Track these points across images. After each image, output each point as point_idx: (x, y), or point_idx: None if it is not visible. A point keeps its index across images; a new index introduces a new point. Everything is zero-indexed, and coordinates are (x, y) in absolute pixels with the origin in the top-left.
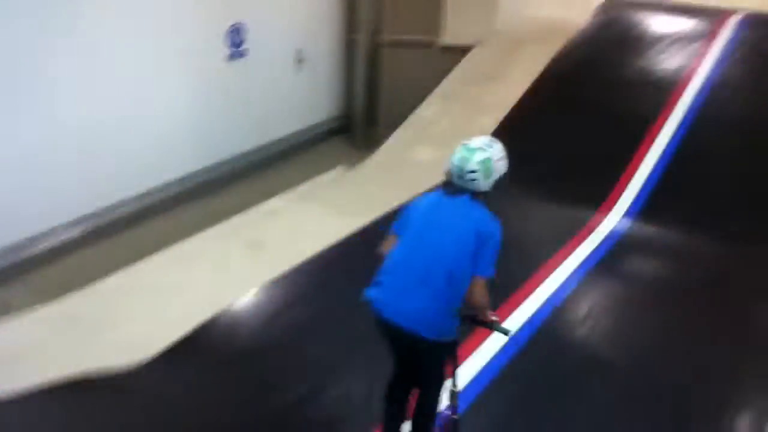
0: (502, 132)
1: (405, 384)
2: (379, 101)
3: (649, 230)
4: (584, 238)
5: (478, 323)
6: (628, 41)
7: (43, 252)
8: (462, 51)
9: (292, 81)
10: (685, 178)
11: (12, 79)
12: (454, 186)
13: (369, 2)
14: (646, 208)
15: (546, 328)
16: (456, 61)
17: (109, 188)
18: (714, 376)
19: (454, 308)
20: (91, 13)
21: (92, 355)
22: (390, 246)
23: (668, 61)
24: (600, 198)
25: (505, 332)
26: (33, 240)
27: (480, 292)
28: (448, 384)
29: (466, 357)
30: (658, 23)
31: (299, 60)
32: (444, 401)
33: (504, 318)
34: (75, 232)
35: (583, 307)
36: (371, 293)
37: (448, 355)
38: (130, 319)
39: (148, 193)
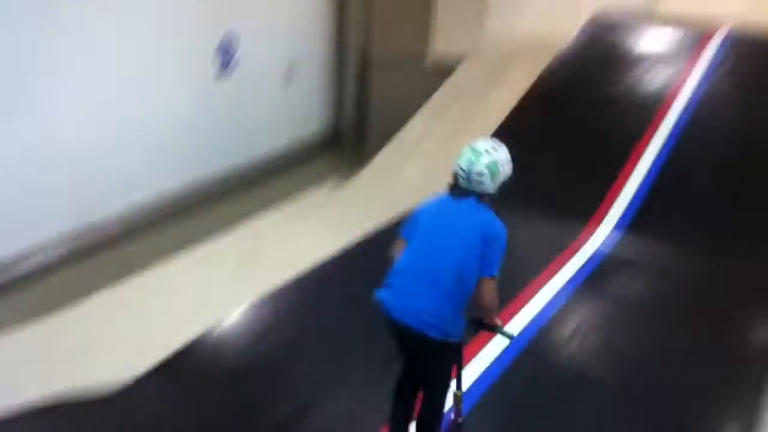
0: None
1: (412, 383)
2: (369, 117)
3: (637, 246)
4: (571, 254)
5: (483, 327)
6: (614, 59)
7: (24, 271)
8: (450, 69)
9: (282, 96)
10: (672, 194)
11: None
12: (460, 189)
13: (359, 18)
14: (633, 224)
15: (533, 347)
16: (444, 79)
17: (92, 206)
18: (704, 392)
19: (462, 310)
20: (71, 27)
21: (77, 376)
22: (399, 249)
23: (654, 79)
24: (587, 215)
25: (510, 336)
26: (14, 259)
27: (489, 294)
28: (453, 387)
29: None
30: (644, 40)
31: (289, 75)
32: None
33: (490, 337)
34: (59, 251)
35: (571, 324)
36: (382, 294)
37: (453, 358)
38: (117, 338)
39: (132, 212)
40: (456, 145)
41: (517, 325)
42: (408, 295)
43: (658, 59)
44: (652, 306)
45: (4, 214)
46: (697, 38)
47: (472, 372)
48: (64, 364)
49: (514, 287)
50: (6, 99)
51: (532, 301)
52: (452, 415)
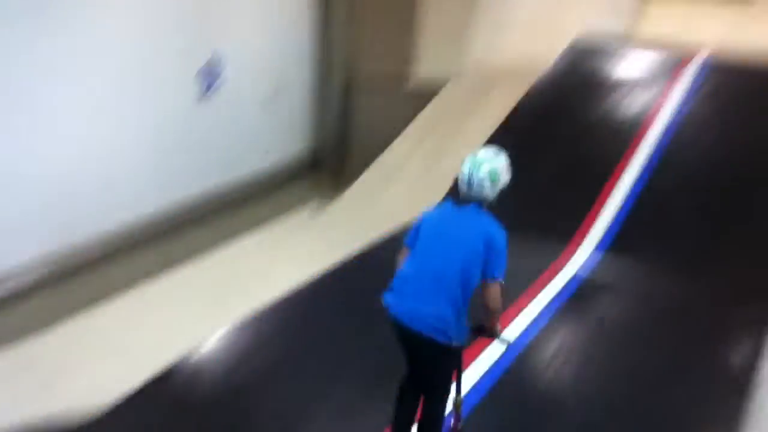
0: None
1: (415, 388)
2: (352, 139)
3: (616, 268)
4: (551, 277)
5: (483, 333)
6: (594, 83)
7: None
8: (432, 92)
9: (265, 118)
10: (651, 217)
11: None
12: (461, 196)
13: (343, 41)
14: (612, 246)
15: (513, 370)
16: (427, 102)
17: (69, 228)
18: (684, 414)
19: (466, 314)
20: (55, 47)
21: (51, 402)
22: (403, 257)
23: (632, 103)
24: (567, 237)
25: (507, 343)
26: None
27: (494, 296)
28: (453, 392)
29: None
30: (623, 65)
31: (273, 97)
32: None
33: (471, 360)
34: (36, 273)
35: (552, 346)
36: (388, 299)
37: (454, 362)
38: (91, 364)
39: (112, 234)
40: (438, 168)
41: (497, 348)
42: (414, 300)
43: (637, 84)
44: (632, 328)
45: None
46: (675, 63)
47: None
48: (39, 389)
49: None
50: None
51: (513, 323)
52: (452, 421)
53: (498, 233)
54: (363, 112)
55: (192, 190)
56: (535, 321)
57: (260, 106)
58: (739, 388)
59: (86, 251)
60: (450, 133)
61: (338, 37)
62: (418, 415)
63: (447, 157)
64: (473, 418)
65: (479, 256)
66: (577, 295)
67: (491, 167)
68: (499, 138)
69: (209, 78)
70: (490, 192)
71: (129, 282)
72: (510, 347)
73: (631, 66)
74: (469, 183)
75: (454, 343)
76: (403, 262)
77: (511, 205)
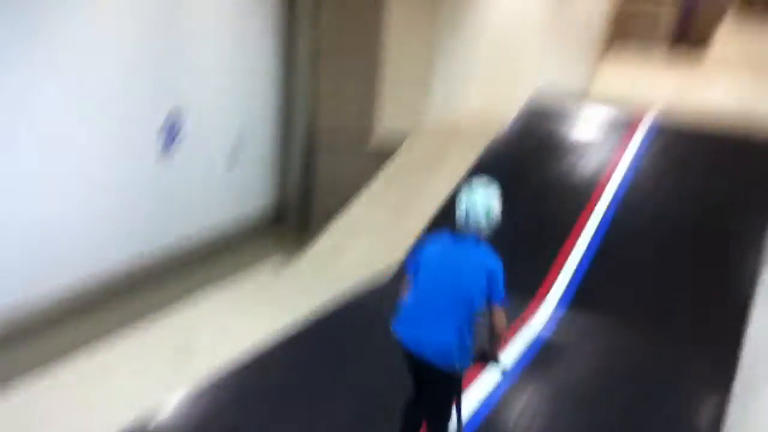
0: (432, 228)
1: (419, 410)
2: (314, 196)
3: (577, 326)
4: (514, 334)
5: (485, 359)
6: (549, 144)
7: None
8: (394, 149)
9: (227, 174)
10: (609, 273)
11: None
12: (459, 228)
13: (305, 97)
14: (573, 304)
15: (481, 429)
16: (388, 158)
17: (24, 285)
18: None
19: (471, 340)
20: (13, 99)
21: None
22: (405, 286)
23: (588, 163)
24: (527, 296)
25: (504, 370)
26: None
27: (500, 320)
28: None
29: None
30: (577, 125)
31: (234, 154)
32: None
33: None
34: None
35: (518, 405)
36: (397, 327)
37: (455, 387)
38: (45, 425)
39: (67, 291)
40: (400, 223)
41: (466, 406)
42: (420, 328)
43: (592, 144)
44: (595, 385)
45: None
46: (628, 122)
47: None
48: None
49: None
50: None
51: (477, 383)
52: None
53: (497, 264)
54: (326, 168)
55: (153, 246)
56: (500, 382)
57: (223, 162)
58: None
59: (42, 308)
60: (412, 189)
61: (301, 93)
62: None
63: (409, 213)
64: None
65: (481, 285)
66: (541, 352)
67: (486, 203)
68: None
69: (170, 134)
70: (485, 225)
71: (88, 339)
72: (505, 374)
73: (585, 126)
74: (467, 217)
75: (458, 369)
76: (407, 291)
77: None
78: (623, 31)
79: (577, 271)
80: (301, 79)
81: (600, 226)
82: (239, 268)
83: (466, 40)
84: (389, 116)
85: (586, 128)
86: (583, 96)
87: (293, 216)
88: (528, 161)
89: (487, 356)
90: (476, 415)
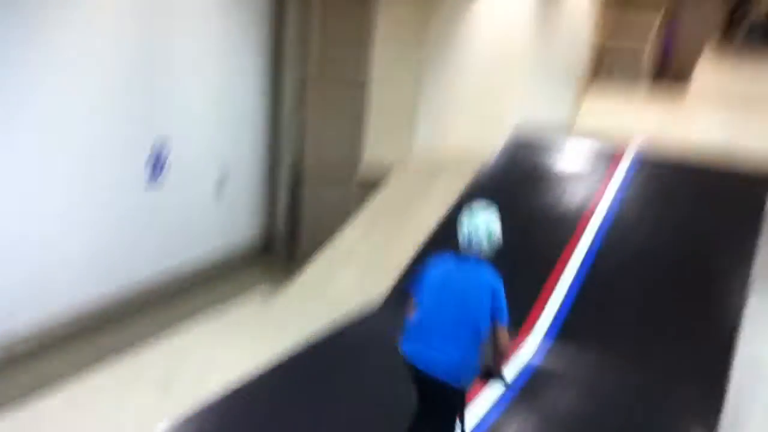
0: (417, 261)
1: (423, 424)
2: (301, 226)
3: (564, 357)
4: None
5: (489, 375)
6: (533, 176)
7: None
8: (380, 181)
9: (213, 205)
10: (596, 306)
11: None
12: (463, 251)
13: (291, 128)
14: (559, 336)
15: None
16: (375, 190)
17: (3, 316)
18: None
19: (477, 358)
20: None
21: None
22: (411, 307)
23: (570, 198)
24: (515, 328)
25: (507, 385)
26: None
27: (504, 338)
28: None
29: None
30: (561, 158)
31: (221, 184)
32: None
33: None
34: None
35: None
36: (404, 346)
37: (458, 404)
38: None
39: (50, 323)
40: (386, 254)
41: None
42: (427, 346)
43: (576, 176)
44: (582, 417)
45: None
46: (611, 155)
47: None
48: None
49: None
50: None
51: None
52: None
53: (499, 284)
54: (313, 198)
55: (140, 276)
56: (489, 412)
57: (210, 193)
58: None
59: (22, 340)
60: (398, 220)
61: (288, 124)
62: None
63: (396, 243)
64: None
65: (486, 304)
66: (529, 384)
67: (487, 227)
68: (445, 229)
69: (156, 165)
70: (487, 246)
71: (72, 371)
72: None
73: (570, 158)
74: (469, 241)
75: (464, 386)
76: (412, 311)
77: None
78: (605, 67)
79: (563, 303)
80: (287, 110)
81: (586, 258)
82: (226, 298)
83: (451, 75)
84: (375, 148)
85: (570, 161)
86: (567, 130)
87: (281, 246)
88: (513, 193)
89: (491, 372)
90: None
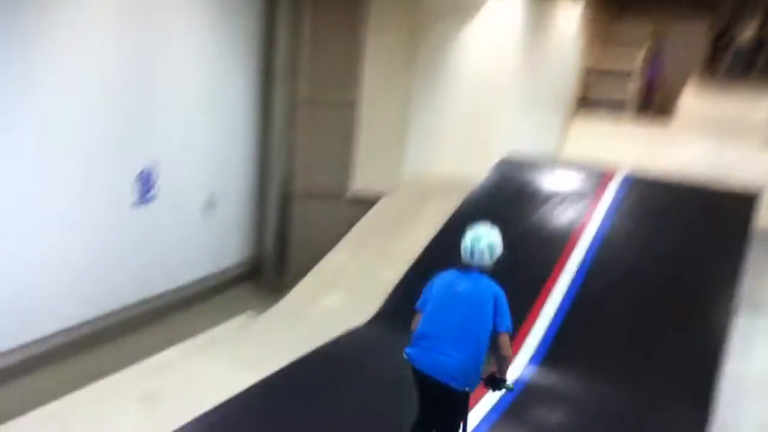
0: (405, 283)
1: (425, 429)
2: (290, 248)
3: (550, 379)
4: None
5: (492, 380)
6: (522, 198)
7: None
8: (369, 203)
9: (202, 226)
10: (583, 326)
11: None
12: (465, 264)
13: (281, 150)
14: (547, 358)
15: None
16: (364, 212)
17: None
18: None
19: (481, 364)
20: None
21: None
22: (417, 320)
23: (559, 218)
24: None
25: (510, 389)
26: None
27: (506, 345)
28: None
29: None
30: (549, 181)
31: (209, 205)
32: None
33: None
34: None
35: None
36: (410, 352)
37: (462, 407)
38: None
39: (37, 343)
40: (375, 275)
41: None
42: (433, 352)
43: (564, 199)
44: None
45: None
46: (599, 179)
47: None
48: None
49: None
50: None
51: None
52: None
53: (501, 293)
54: (302, 221)
55: (126, 298)
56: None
57: (198, 214)
58: None
59: (7, 361)
60: (388, 242)
61: (277, 146)
62: None
63: (384, 265)
64: None
65: (489, 312)
66: (517, 401)
67: (489, 241)
68: (434, 250)
69: (145, 185)
70: (488, 261)
71: (57, 392)
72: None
73: (557, 182)
74: (471, 254)
75: (467, 390)
76: (418, 323)
77: None
78: (591, 97)
79: (550, 325)
80: (277, 132)
81: (576, 278)
82: (214, 320)
83: (439, 101)
84: (365, 170)
85: (558, 183)
86: (554, 157)
87: (270, 268)
88: (503, 213)
89: (494, 377)
90: None
